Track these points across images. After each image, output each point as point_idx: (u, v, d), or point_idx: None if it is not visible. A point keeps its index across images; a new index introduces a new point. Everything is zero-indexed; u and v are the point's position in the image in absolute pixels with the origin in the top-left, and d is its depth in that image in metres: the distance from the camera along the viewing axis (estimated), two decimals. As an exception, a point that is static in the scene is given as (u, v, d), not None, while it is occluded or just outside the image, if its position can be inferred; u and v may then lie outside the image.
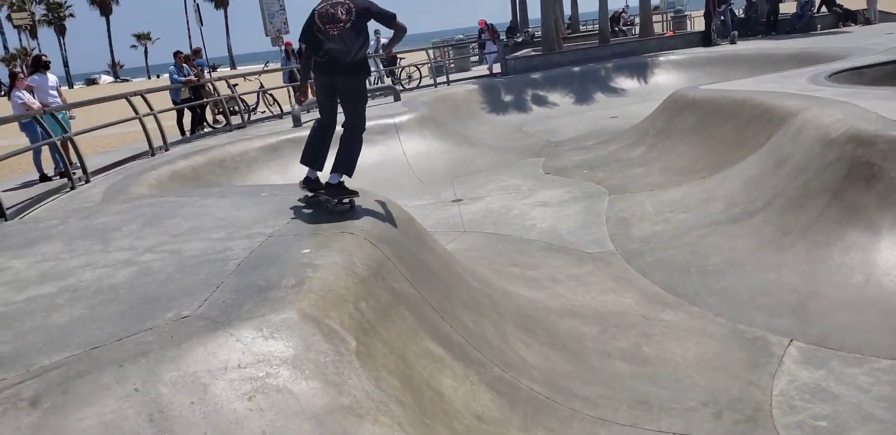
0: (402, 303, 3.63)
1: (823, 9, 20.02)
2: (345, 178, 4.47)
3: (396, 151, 10.58)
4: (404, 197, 8.74)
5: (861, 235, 4.82)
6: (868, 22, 19.35)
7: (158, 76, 61.59)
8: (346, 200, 4.43)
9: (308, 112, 12.99)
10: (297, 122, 11.12)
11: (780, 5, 19.97)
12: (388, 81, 16.96)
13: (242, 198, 5.02)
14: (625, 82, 16.18)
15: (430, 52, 18.58)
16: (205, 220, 4.43)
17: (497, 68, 17.35)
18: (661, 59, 16.85)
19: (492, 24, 20.16)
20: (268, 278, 3.21)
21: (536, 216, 7.54)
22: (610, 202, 7.60)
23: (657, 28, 23.10)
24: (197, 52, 13.09)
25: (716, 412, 3.65)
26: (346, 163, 4.49)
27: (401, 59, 18.43)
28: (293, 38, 16.32)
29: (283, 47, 15.68)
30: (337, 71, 4.15)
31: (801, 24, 18.99)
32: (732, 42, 18.06)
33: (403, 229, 4.51)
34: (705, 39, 18.35)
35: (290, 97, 14.89)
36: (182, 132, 11.87)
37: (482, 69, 18.88)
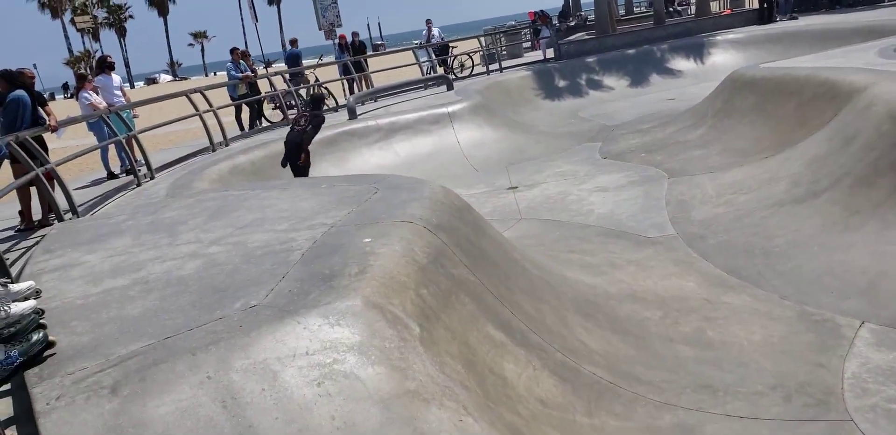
0: (463, 289, 3.67)
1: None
2: None
3: (450, 140, 10.62)
4: (459, 186, 8.77)
5: (933, 214, 4.59)
6: (944, -11, 18.21)
7: (215, 73, 62.88)
8: None
9: (363, 104, 13.15)
10: (353, 115, 11.29)
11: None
12: (440, 71, 16.95)
13: (303, 190, 5.16)
14: (681, 64, 15.72)
15: (482, 39, 18.46)
16: (268, 212, 4.58)
17: (550, 53, 17.13)
18: (719, 38, 16.27)
19: (542, 11, 19.89)
20: (331, 267, 3.29)
21: (594, 201, 7.47)
22: (669, 185, 7.46)
23: (714, 7, 22.20)
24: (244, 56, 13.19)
25: (784, 396, 3.58)
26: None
27: (453, 47, 18.38)
28: (346, 30, 16.47)
29: (336, 41, 15.86)
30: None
31: (868, -5, 17.99)
32: (794, 18, 17.29)
33: (461, 217, 4.56)
34: (762, 16, 17.61)
35: (344, 90, 15.06)
36: (241, 127, 12.20)
37: (535, 55, 18.66)
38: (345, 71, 14.62)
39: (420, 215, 4.07)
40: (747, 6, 22.32)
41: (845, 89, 6.60)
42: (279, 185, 5.66)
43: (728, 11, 21.02)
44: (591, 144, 10.50)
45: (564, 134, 11.72)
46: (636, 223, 6.57)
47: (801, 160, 6.35)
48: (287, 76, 12.78)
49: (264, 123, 12.51)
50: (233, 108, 12.18)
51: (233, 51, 12.06)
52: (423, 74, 16.16)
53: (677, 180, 7.55)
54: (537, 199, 7.93)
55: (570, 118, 13.19)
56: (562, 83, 15.24)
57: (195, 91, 9.84)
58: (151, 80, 64.25)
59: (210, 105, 9.83)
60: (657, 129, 10.42)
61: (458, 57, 17.72)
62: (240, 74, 11.76)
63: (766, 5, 17.63)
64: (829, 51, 9.89)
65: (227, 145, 10.09)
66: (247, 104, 12.05)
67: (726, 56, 15.47)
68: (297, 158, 8.01)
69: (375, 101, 13.69)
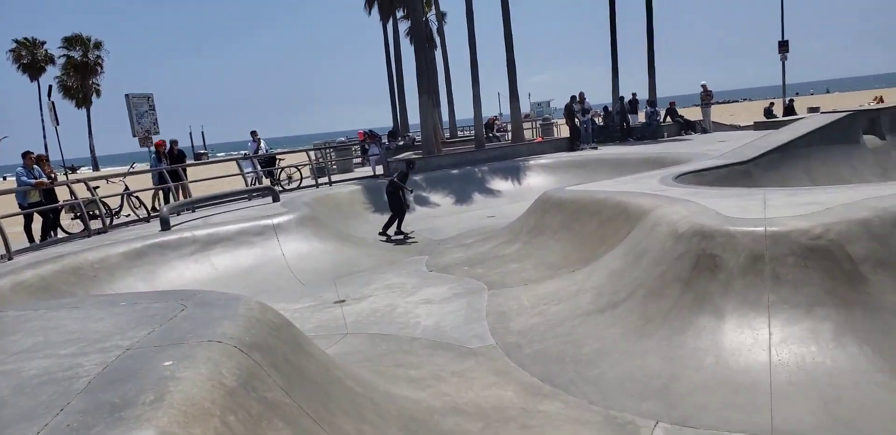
0: (277, 414, 3.43)
1: (669, 119, 22.79)
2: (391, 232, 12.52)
3: (275, 253, 10.37)
4: (283, 300, 8.50)
5: (709, 320, 5.24)
6: (704, 131, 22.28)
7: (4, 178, 56.69)
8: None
9: (178, 215, 12.56)
10: (166, 226, 10.65)
11: (634, 115, 22.58)
12: (266, 182, 16.86)
13: (98, 308, 4.66)
14: (500, 184, 17.11)
15: (311, 153, 18.87)
16: (52, 334, 4.05)
17: (380, 170, 17.89)
18: (532, 162, 18.09)
19: (371, 130, 21.00)
20: (123, 396, 2.94)
21: (420, 314, 7.55)
22: (489, 297, 7.78)
23: (527, 134, 25.01)
24: (41, 160, 12.10)
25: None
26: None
27: (280, 159, 18.53)
28: (165, 137, 15.92)
29: (153, 148, 15.27)
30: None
31: (650, 132, 21.40)
32: (594, 147, 19.91)
33: (278, 335, 4.34)
34: (570, 145, 20.09)
35: (159, 200, 14.31)
36: (30, 239, 10.98)
37: (365, 171, 19.37)
38: (160, 180, 13.99)
39: (231, 334, 3.83)
40: (556, 135, 25.39)
41: (635, 211, 7.53)
42: (70, 303, 5.08)
43: (540, 139, 23.74)
44: (418, 258, 10.81)
45: (393, 247, 11.98)
46: (460, 334, 6.70)
47: (603, 273, 6.99)
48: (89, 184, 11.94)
49: (60, 235, 11.38)
50: (22, 218, 11.01)
51: (25, 155, 11.07)
52: (247, 185, 15.97)
53: (497, 292, 7.92)
54: (365, 313, 7.86)
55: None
56: (391, 198, 15.79)
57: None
58: None
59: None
60: (479, 244, 11.02)
61: (286, 169, 17.84)
62: (32, 180, 10.79)
63: (574, 135, 20.20)
64: (623, 177, 11.35)
65: (10, 259, 8.94)
66: (40, 213, 10.97)
67: (539, 178, 17.14)
68: (398, 201, 12.48)
69: (193, 211, 13.18)
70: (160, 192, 14.23)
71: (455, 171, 17.39)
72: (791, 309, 5.09)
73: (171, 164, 14.46)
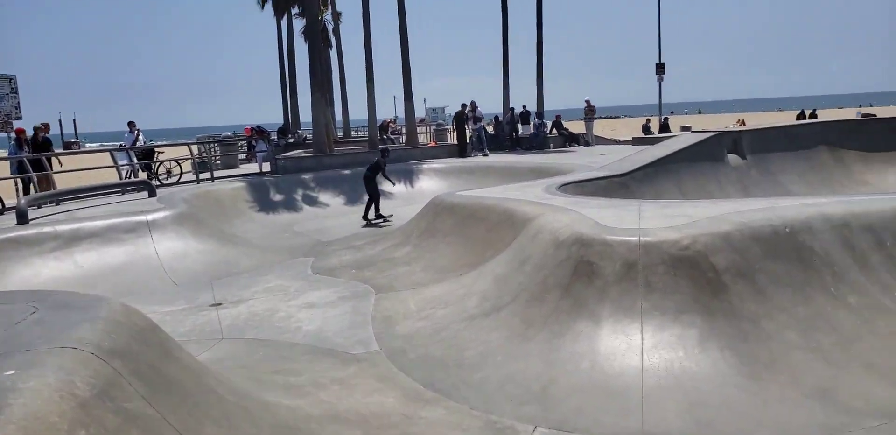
0: (137, 426, 3.16)
1: (555, 131, 23.72)
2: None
3: (148, 251, 9.72)
4: (154, 302, 7.99)
5: (586, 325, 5.44)
6: (587, 144, 23.40)
7: None
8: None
9: (39, 208, 11.52)
10: (24, 219, 9.70)
11: (527, 126, 23.35)
12: (142, 176, 15.85)
13: (-70, 311, 4.12)
14: (393, 186, 17.04)
15: (193, 147, 17.93)
16: None
17: (266, 167, 17.27)
18: (425, 166, 18.18)
19: (259, 126, 20.28)
20: (-51, 411, 2.59)
21: (303, 318, 7.32)
22: (376, 301, 7.68)
23: (421, 138, 25.15)
24: None
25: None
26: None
27: (159, 152, 17.45)
28: (27, 124, 14.45)
29: (13, 134, 13.85)
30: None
31: (537, 143, 22.18)
32: (485, 155, 20.32)
33: (143, 340, 4.02)
34: (461, 151, 20.40)
35: (17, 190, 13.02)
36: None
37: (251, 167, 18.65)
38: (20, 169, 12.72)
39: (89, 339, 3.49)
40: (449, 141, 25.73)
41: (521, 218, 7.71)
42: None
43: (433, 143, 23.97)
44: (304, 259, 10.50)
45: (278, 248, 11.59)
46: (343, 340, 6.55)
47: (489, 278, 7.08)
48: None
49: None
50: None
51: None
52: (121, 179, 14.91)
53: (384, 296, 7.84)
54: (243, 317, 7.52)
55: (284, 232, 13.15)
56: (278, 197, 15.32)
57: None
58: None
59: None
60: (368, 247, 10.89)
61: (165, 163, 16.84)
62: None
63: (463, 142, 20.51)
64: (511, 184, 11.63)
65: None
66: None
67: (431, 182, 17.23)
68: (374, 187, 13.42)
69: (57, 204, 12.15)
70: (19, 183, 12.94)
71: (346, 172, 17.10)
72: (661, 315, 5.37)
73: (33, 153, 13.18)
